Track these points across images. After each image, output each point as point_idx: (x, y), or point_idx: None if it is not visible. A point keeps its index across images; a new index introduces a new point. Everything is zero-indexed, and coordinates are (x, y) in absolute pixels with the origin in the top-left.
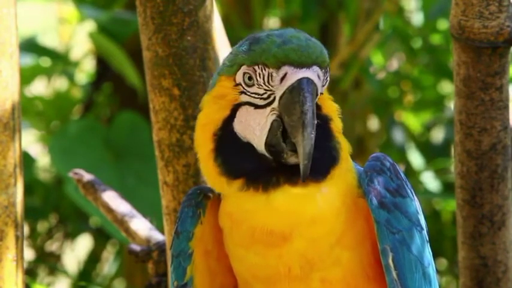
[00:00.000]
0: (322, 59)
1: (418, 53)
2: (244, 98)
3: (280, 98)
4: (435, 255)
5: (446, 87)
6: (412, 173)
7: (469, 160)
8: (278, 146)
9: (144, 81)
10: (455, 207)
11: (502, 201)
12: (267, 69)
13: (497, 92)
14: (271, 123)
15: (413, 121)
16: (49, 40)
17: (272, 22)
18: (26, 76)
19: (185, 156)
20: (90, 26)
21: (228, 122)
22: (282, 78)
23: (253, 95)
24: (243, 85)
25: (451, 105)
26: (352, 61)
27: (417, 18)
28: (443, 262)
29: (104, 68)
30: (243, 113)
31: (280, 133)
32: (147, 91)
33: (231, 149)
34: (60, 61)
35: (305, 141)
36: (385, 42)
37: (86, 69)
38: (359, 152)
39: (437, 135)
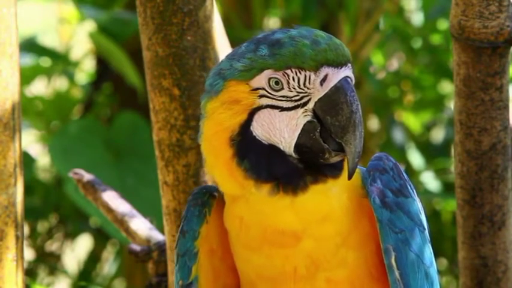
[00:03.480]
0: (349, 54)
1: (418, 53)
2: (264, 101)
3: (320, 98)
4: (435, 255)
5: (446, 87)
6: (412, 173)
7: (469, 160)
8: (316, 146)
9: (144, 81)
10: (455, 207)
11: (502, 201)
12: (303, 72)
13: (497, 92)
14: (304, 125)
15: (413, 121)
16: (49, 40)
17: (272, 22)
18: (26, 76)
19: (185, 156)
20: (90, 26)
21: (245, 126)
22: (322, 81)
23: (280, 98)
24: (267, 89)
25: (451, 105)
26: (352, 61)
27: (417, 18)
28: (443, 262)
29: (104, 68)
30: (264, 116)
31: (319, 134)
32: (147, 91)
33: (255, 153)
34: (60, 61)
35: (357, 140)
36: (385, 42)
37: (86, 69)
38: None
39: (437, 135)
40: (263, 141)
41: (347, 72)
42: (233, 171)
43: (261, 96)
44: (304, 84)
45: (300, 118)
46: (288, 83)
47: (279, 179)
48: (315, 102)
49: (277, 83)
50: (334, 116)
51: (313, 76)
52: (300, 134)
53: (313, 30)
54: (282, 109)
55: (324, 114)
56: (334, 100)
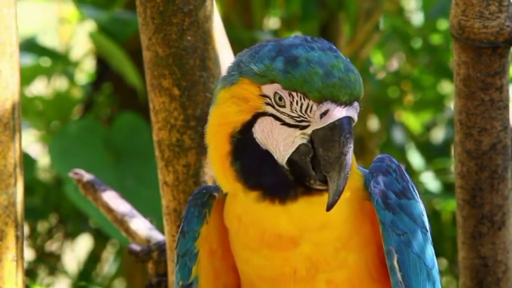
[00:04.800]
0: (361, 93)
1: (418, 53)
2: (270, 109)
3: (317, 129)
4: (435, 256)
5: (446, 87)
6: (412, 173)
7: (469, 160)
8: (304, 170)
9: (144, 81)
10: (455, 207)
11: (502, 201)
12: (306, 100)
13: (497, 92)
14: (299, 146)
15: (413, 121)
16: (49, 40)
17: (272, 22)
18: (26, 76)
19: (185, 156)
20: (90, 26)
21: (248, 126)
22: (323, 114)
23: (283, 112)
24: (273, 101)
25: (451, 105)
26: (352, 61)
27: (417, 18)
28: (443, 262)
29: (104, 68)
30: (266, 123)
31: (310, 159)
32: (147, 91)
33: (249, 156)
34: (60, 61)
35: (340, 181)
36: (385, 42)
37: (86, 69)
38: (359, 152)
39: (437, 135)
40: (261, 145)
41: (350, 112)
42: (226, 170)
43: (268, 104)
44: (306, 111)
45: (297, 138)
46: (291, 104)
47: (264, 189)
48: (312, 130)
49: (280, 99)
50: (325, 151)
51: (315, 107)
52: (293, 152)
53: (334, 59)
54: (284, 123)
55: (317, 145)
56: (328, 136)
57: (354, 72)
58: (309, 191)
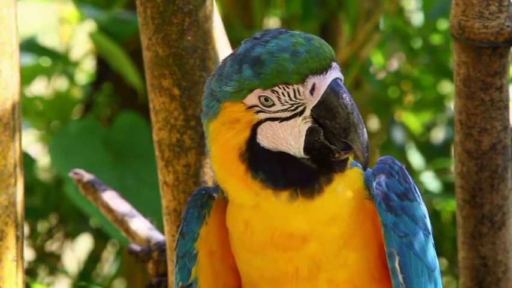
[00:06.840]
0: (332, 52)
1: (418, 53)
2: (262, 115)
3: (314, 107)
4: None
5: (446, 87)
6: (412, 173)
7: (469, 160)
8: (324, 148)
9: (144, 81)
10: (455, 207)
11: (502, 201)
12: (290, 87)
13: (497, 92)
14: (307, 130)
15: (413, 121)
16: (49, 40)
17: (272, 22)
18: (26, 76)
19: (185, 156)
20: (90, 26)
21: (251, 140)
22: (312, 90)
23: (275, 110)
24: (261, 106)
25: (451, 105)
26: (352, 61)
27: (417, 18)
28: (443, 262)
29: (104, 68)
30: (267, 129)
31: (324, 137)
32: (147, 91)
33: (268, 163)
34: (60, 61)
35: (361, 138)
36: (385, 42)
37: (86, 69)
38: None
39: (437, 135)
40: (273, 150)
41: (334, 74)
42: (249, 184)
43: (258, 111)
44: (295, 96)
45: (300, 125)
46: (279, 98)
47: (297, 184)
48: (311, 110)
49: (266, 99)
50: (333, 120)
51: (301, 88)
52: (305, 139)
53: (291, 38)
54: (282, 120)
55: (322, 120)
56: (328, 106)
57: (314, 38)
58: (329, 179)
